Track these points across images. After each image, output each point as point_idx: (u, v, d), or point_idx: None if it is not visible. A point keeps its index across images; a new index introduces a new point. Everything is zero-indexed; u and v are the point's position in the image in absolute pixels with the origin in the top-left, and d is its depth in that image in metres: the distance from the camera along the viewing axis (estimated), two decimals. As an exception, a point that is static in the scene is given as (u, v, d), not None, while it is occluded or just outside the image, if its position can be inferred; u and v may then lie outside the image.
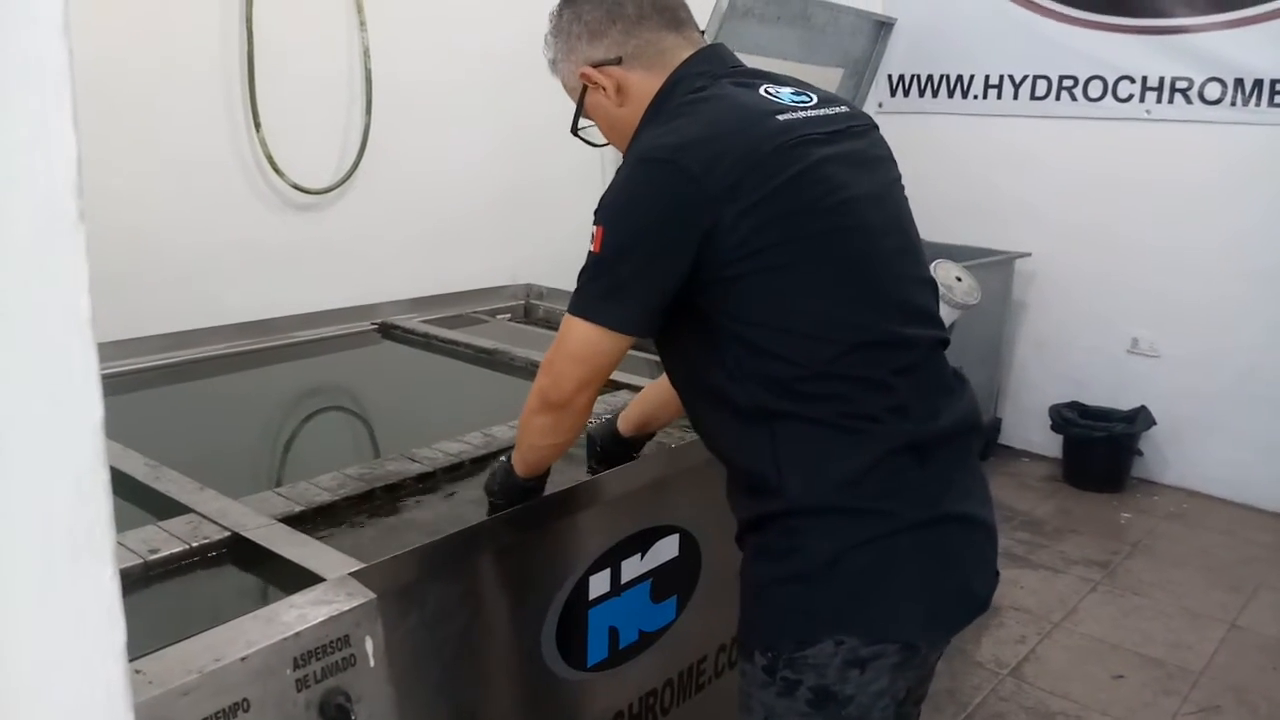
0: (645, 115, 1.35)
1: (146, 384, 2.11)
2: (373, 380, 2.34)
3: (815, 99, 1.33)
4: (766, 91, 1.30)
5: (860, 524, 1.22)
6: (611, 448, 1.65)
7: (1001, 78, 4.45)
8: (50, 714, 0.50)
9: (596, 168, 3.67)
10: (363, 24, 2.73)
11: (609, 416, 1.66)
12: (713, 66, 1.36)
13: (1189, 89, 4.01)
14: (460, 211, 3.11)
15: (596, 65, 1.37)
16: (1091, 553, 3.67)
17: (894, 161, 1.40)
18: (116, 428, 1.59)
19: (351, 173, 2.76)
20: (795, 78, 1.40)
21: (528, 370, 2.19)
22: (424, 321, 2.61)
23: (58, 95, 0.44)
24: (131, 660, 0.97)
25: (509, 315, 2.87)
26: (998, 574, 1.36)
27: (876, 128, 1.40)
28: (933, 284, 1.37)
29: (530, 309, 2.95)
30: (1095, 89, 4.22)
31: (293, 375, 2.32)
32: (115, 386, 2.02)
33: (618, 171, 1.27)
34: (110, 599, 0.50)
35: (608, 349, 1.26)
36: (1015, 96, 4.42)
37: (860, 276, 1.25)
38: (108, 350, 2.06)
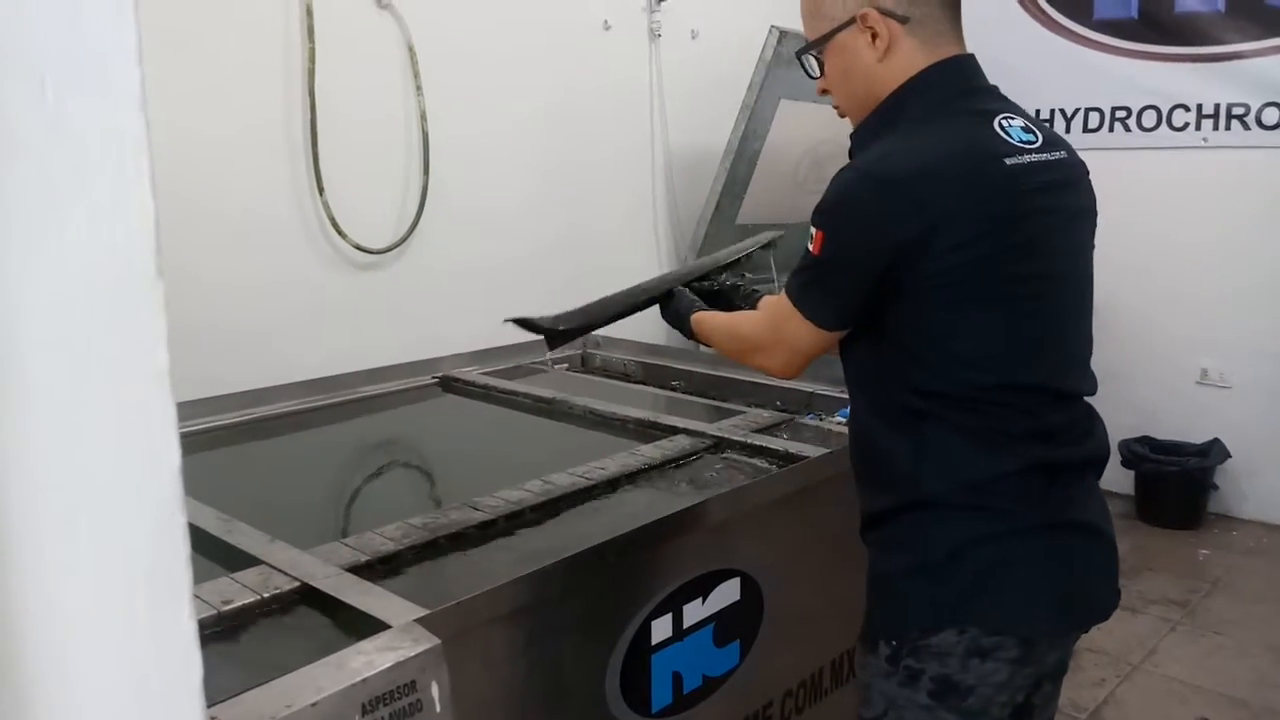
0: (885, 106, 1.34)
1: (218, 441, 2.17)
2: (435, 432, 2.38)
3: (1040, 140, 1.32)
4: (1000, 126, 1.30)
5: (982, 520, 1.27)
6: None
7: (1053, 111, 4.42)
8: (134, 748, 0.53)
9: (647, 218, 3.72)
10: (419, 89, 2.82)
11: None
12: (956, 89, 1.34)
13: (1246, 115, 3.95)
14: (515, 265, 3.17)
15: (884, 12, 1.32)
16: (1170, 591, 3.56)
17: (1095, 213, 1.42)
18: (190, 484, 1.65)
19: (411, 232, 2.84)
20: (1021, 109, 1.38)
21: (586, 419, 2.21)
22: (484, 373, 2.65)
23: (136, 163, 0.48)
24: (207, 708, 1.01)
25: (566, 365, 2.90)
26: (1119, 594, 1.39)
27: (1089, 174, 1.41)
28: (1091, 341, 1.41)
29: (587, 358, 2.97)
30: (1149, 119, 4.18)
31: (358, 429, 2.37)
32: (189, 445, 2.09)
33: (839, 174, 1.30)
34: (188, 637, 0.53)
35: (812, 337, 1.37)
36: (1068, 130, 4.38)
37: (1034, 327, 1.30)
38: (182, 410, 2.13)
